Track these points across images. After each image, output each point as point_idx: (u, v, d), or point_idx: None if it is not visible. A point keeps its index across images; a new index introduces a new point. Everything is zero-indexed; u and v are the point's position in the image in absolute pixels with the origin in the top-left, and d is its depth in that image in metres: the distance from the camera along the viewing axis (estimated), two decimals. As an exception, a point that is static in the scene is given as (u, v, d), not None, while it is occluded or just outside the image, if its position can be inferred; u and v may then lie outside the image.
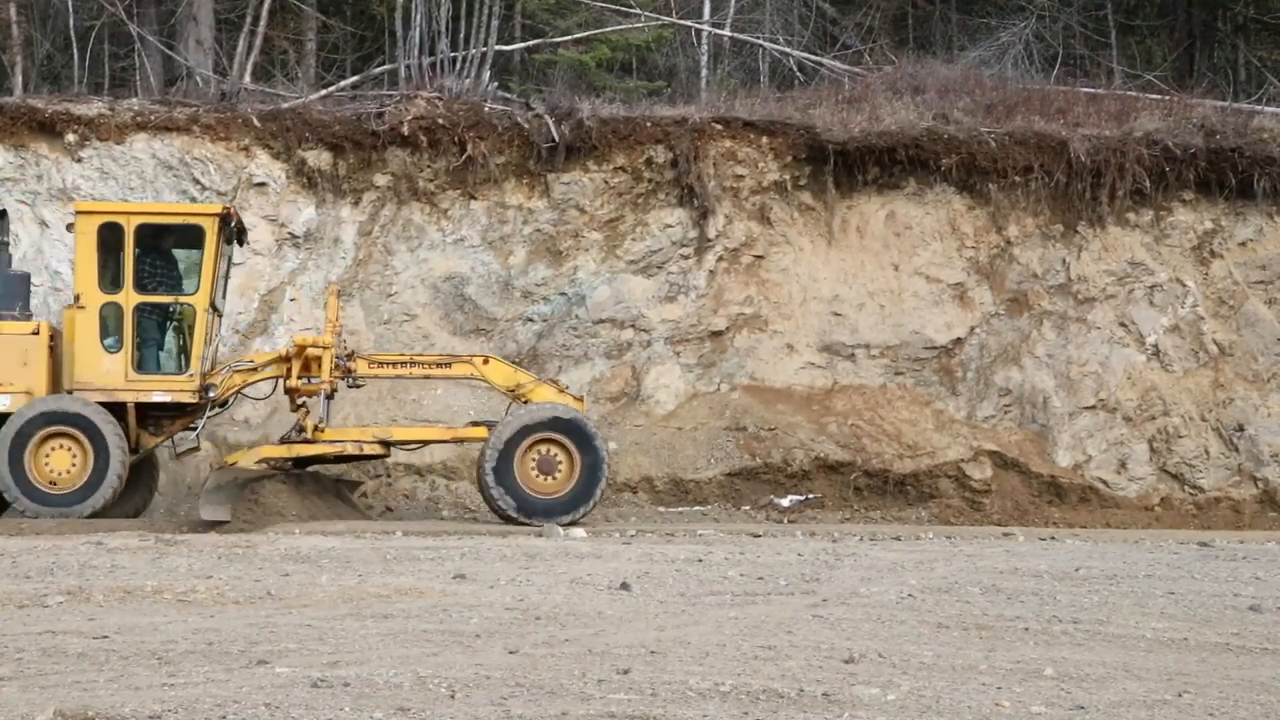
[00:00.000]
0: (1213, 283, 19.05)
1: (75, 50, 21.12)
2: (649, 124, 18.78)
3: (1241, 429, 18.37)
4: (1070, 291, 18.82)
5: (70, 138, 17.92)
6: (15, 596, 8.19)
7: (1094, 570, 10.38)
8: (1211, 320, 18.88)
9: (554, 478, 14.42)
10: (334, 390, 14.92)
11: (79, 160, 17.93)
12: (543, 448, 14.43)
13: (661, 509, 17.06)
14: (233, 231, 15.35)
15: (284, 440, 14.99)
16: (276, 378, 15.04)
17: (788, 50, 23.17)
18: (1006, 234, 18.98)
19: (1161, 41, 27.35)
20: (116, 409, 14.52)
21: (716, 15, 23.81)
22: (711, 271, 18.57)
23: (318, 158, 18.35)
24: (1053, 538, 14.32)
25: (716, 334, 18.45)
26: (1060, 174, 18.78)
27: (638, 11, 22.86)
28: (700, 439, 17.14)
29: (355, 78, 21.24)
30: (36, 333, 14.78)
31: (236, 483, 14.20)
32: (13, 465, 14.24)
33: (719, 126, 18.83)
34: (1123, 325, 18.77)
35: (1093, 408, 18.23)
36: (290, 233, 18.21)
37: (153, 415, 14.95)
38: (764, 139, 18.83)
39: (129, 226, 14.73)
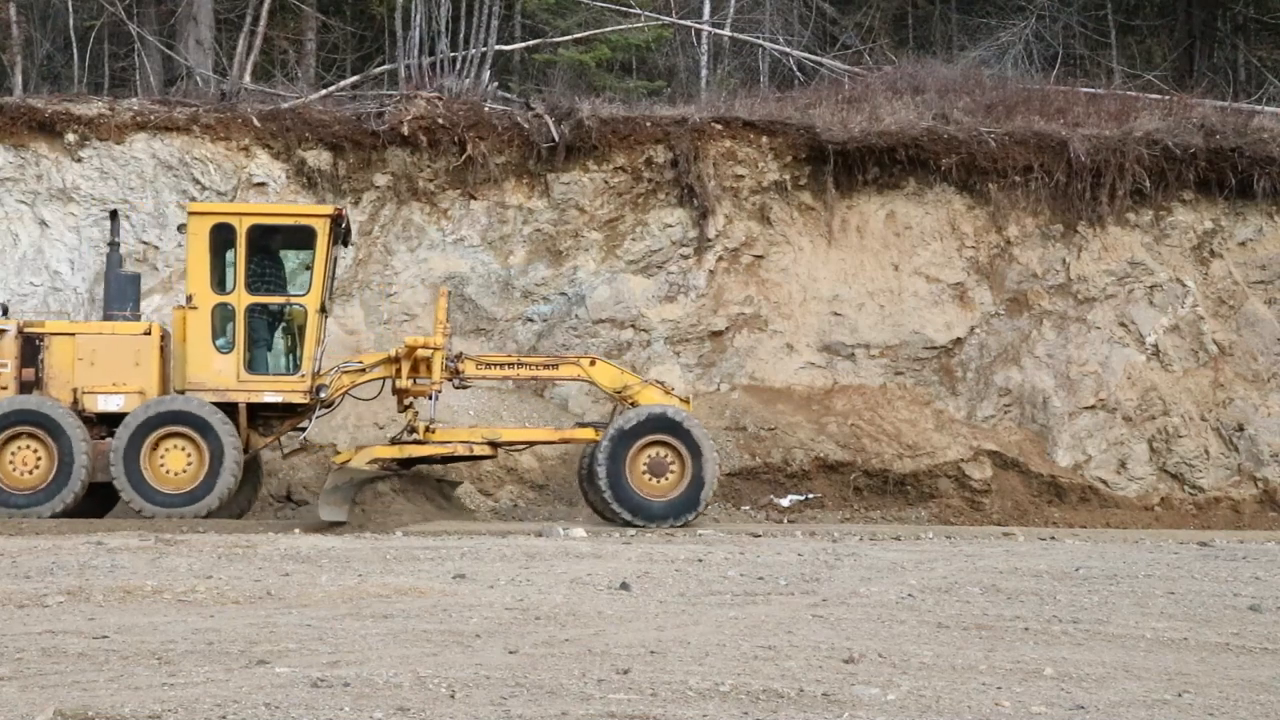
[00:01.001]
0: (1213, 282, 19.05)
1: (75, 50, 21.12)
2: (649, 124, 18.79)
3: (1241, 429, 18.38)
4: (1070, 291, 18.82)
5: (70, 138, 17.92)
6: (15, 596, 8.19)
7: (1094, 570, 10.38)
8: (1211, 320, 18.88)
9: (665, 480, 14.47)
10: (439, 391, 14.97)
11: (79, 160, 17.93)
12: (654, 450, 14.47)
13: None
14: (342, 232, 15.41)
15: (395, 441, 15.07)
16: (384, 378, 15.09)
17: (788, 50, 23.17)
18: (1006, 234, 18.98)
19: (1161, 41, 27.36)
20: (227, 409, 14.57)
21: (716, 15, 23.81)
22: (711, 271, 18.58)
23: (318, 158, 18.35)
24: (1053, 538, 14.32)
25: (716, 334, 18.45)
26: (1060, 174, 18.79)
27: (638, 11, 22.87)
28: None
29: (355, 78, 21.23)
30: (148, 333, 14.85)
31: (352, 483, 14.24)
32: (128, 465, 14.28)
33: (719, 126, 18.84)
34: (1123, 325, 18.77)
35: (1093, 408, 18.24)
36: (290, 233, 18.19)
37: (262, 415, 15.00)
38: (764, 139, 18.83)
39: (241, 227, 14.78)
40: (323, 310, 14.99)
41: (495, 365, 15.37)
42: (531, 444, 15.86)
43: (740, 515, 16.94)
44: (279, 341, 15.36)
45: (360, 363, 15.30)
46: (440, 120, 18.42)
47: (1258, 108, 20.82)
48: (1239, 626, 7.76)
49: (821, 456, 17.45)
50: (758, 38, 23.63)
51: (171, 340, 15.00)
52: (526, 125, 18.55)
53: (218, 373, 14.71)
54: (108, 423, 14.62)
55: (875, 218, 18.95)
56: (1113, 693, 5.83)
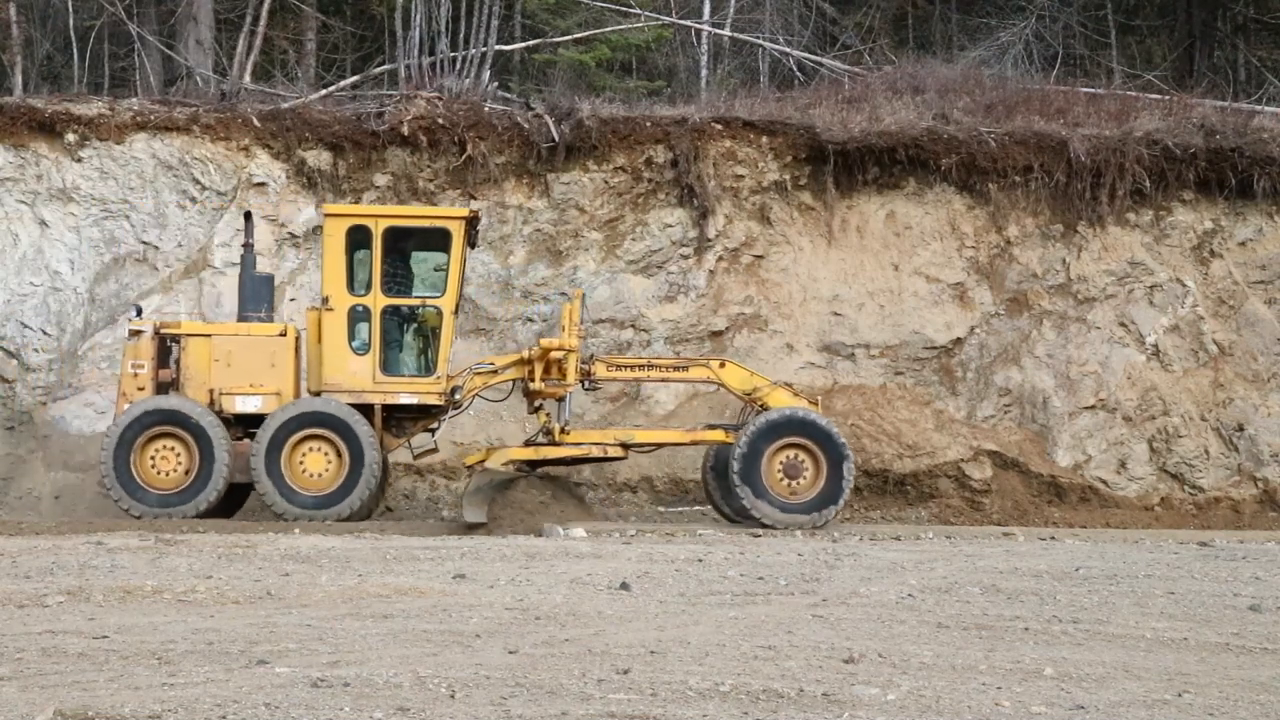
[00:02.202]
0: (1213, 283, 19.05)
1: (75, 50, 21.12)
2: (649, 124, 18.78)
3: (1241, 429, 18.37)
4: (1070, 291, 18.82)
5: (70, 138, 17.92)
6: (15, 596, 8.19)
7: (1094, 570, 10.38)
8: (1211, 320, 18.88)
9: (800, 481, 14.48)
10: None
11: (79, 160, 17.93)
12: (789, 452, 14.47)
13: (661, 509, 17.07)
14: (475, 234, 15.46)
15: (529, 443, 15.11)
16: (516, 380, 15.14)
17: (788, 50, 23.17)
18: (1006, 234, 18.98)
19: (1161, 41, 27.35)
20: (363, 411, 14.60)
21: (716, 15, 23.81)
22: (711, 271, 18.58)
23: (318, 158, 18.35)
24: (1053, 538, 14.31)
25: (716, 334, 18.45)
26: (1060, 174, 18.78)
27: (638, 11, 22.87)
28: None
29: (355, 78, 21.23)
30: (284, 334, 14.88)
31: (491, 485, 14.31)
32: (269, 467, 14.30)
33: (719, 126, 18.83)
34: (1123, 325, 18.77)
35: (1093, 408, 18.24)
36: (290, 233, 18.20)
37: (394, 417, 15.00)
38: (764, 139, 18.83)
39: (377, 229, 14.83)
40: (455, 312, 15.06)
41: (625, 367, 15.43)
42: (661, 445, 15.91)
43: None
44: (412, 343, 15.40)
45: (492, 364, 15.38)
46: (440, 120, 18.42)
47: (1258, 108, 20.81)
48: (1239, 626, 7.76)
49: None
50: (758, 38, 23.62)
51: (305, 341, 15.02)
52: (526, 125, 18.55)
53: (353, 374, 14.74)
54: (244, 424, 14.68)
55: (875, 218, 18.95)
56: (1113, 693, 5.83)
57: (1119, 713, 5.46)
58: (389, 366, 14.93)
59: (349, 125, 18.47)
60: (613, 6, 23.06)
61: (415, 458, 15.90)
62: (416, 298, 15.28)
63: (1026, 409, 18.33)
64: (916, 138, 18.73)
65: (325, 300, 14.82)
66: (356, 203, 18.35)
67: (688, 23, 23.56)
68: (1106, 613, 8.18)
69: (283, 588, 8.71)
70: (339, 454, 14.42)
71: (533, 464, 14.90)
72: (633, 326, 18.29)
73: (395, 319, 15.18)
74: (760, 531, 14.35)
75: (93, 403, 17.26)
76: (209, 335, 14.88)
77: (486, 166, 18.40)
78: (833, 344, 18.48)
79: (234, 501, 15.02)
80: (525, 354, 15.10)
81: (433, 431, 15.26)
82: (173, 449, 14.36)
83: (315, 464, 14.44)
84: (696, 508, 17.03)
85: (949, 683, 5.92)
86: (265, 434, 14.35)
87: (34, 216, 17.83)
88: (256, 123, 18.34)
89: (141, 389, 14.62)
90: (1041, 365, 18.54)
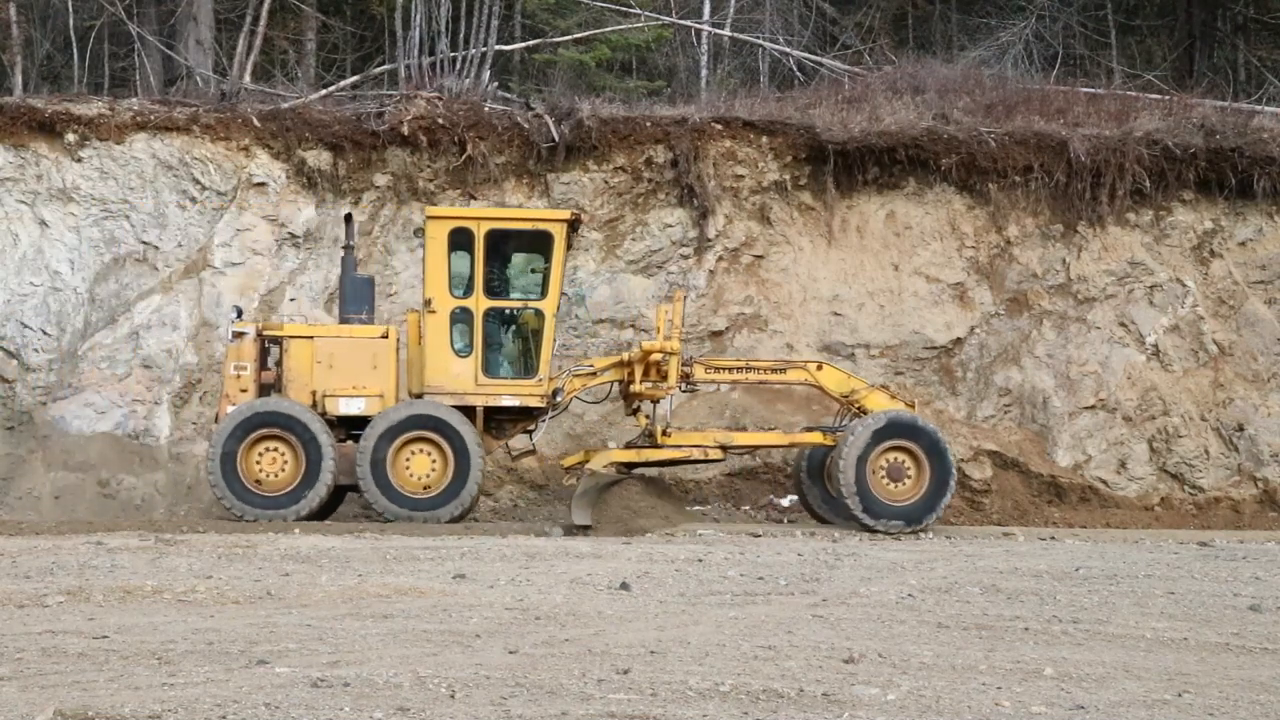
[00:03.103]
0: (1213, 283, 19.05)
1: (75, 50, 21.11)
2: (649, 124, 18.78)
3: (1241, 429, 18.37)
4: (1070, 291, 18.82)
5: (70, 138, 17.91)
6: (15, 596, 8.19)
7: (1094, 570, 10.39)
8: (1211, 320, 18.88)
9: (902, 484, 14.53)
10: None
11: (79, 160, 17.92)
12: (892, 455, 14.52)
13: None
14: (576, 237, 15.50)
15: (630, 445, 15.13)
16: (615, 381, 15.18)
17: (788, 50, 23.17)
18: (1006, 234, 18.98)
19: (1161, 41, 27.35)
20: (465, 413, 14.61)
21: (716, 15, 23.81)
22: (711, 271, 18.58)
23: (318, 158, 18.34)
24: (1053, 538, 14.32)
25: (716, 334, 18.45)
26: (1060, 174, 18.78)
27: (638, 11, 22.86)
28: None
29: (355, 78, 21.22)
30: (385, 336, 14.89)
31: (597, 487, 14.34)
32: (375, 469, 14.29)
33: (719, 126, 18.83)
34: (1123, 325, 18.77)
35: (1093, 408, 18.23)
36: (290, 233, 18.20)
37: (493, 419, 15.01)
38: (764, 139, 18.83)
39: (479, 232, 14.87)
40: (555, 314, 15.11)
41: (724, 369, 15.49)
42: (758, 448, 15.97)
43: (740, 515, 16.94)
44: (513, 345, 15.43)
45: (591, 366, 15.44)
46: (440, 120, 18.41)
47: (1258, 108, 20.81)
48: (1239, 626, 7.76)
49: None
50: (758, 38, 23.62)
51: (405, 343, 15.05)
52: (526, 125, 18.54)
53: (456, 376, 14.75)
54: (347, 425, 14.66)
55: (875, 218, 18.95)
56: (1113, 693, 5.83)
57: (1119, 713, 5.46)
58: (490, 369, 14.95)
59: (349, 125, 18.46)
60: (613, 6, 23.06)
61: (513, 459, 16.01)
62: (518, 300, 15.30)
63: (1026, 409, 18.33)
64: (916, 138, 18.73)
65: (428, 303, 14.84)
66: (357, 203, 18.36)
67: (688, 23, 23.56)
68: (1106, 613, 8.18)
69: (283, 588, 8.72)
70: (444, 456, 14.41)
71: (630, 466, 14.95)
72: (633, 326, 18.28)
73: (496, 321, 15.23)
74: (760, 531, 14.34)
75: (93, 403, 17.26)
76: (311, 337, 14.88)
77: (486, 166, 18.39)
78: (833, 344, 18.48)
79: (330, 503, 15.00)
80: (625, 356, 15.20)
81: (530, 433, 15.32)
82: (278, 451, 14.36)
83: (420, 466, 14.45)
84: (697, 508, 17.03)
85: (949, 683, 5.92)
86: (371, 436, 14.32)
87: (34, 216, 17.83)
88: (256, 123, 18.33)
89: (244, 391, 14.65)
90: (1041, 365, 18.54)
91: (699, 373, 15.08)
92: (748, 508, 16.96)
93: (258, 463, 14.34)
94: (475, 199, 18.47)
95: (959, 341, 18.66)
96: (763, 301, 18.52)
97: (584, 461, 15.00)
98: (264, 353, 14.89)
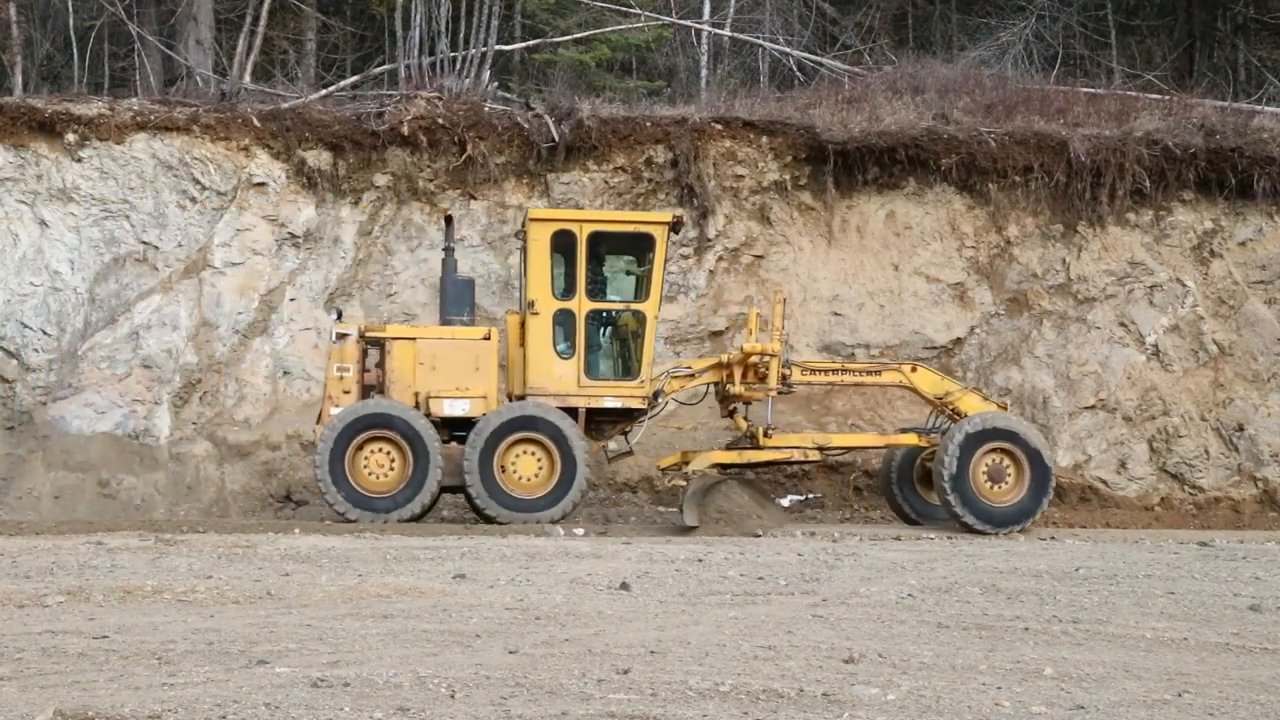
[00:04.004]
0: (1213, 283, 19.05)
1: (75, 50, 21.10)
2: (649, 124, 18.78)
3: (1241, 429, 18.37)
4: (1070, 291, 18.82)
5: (70, 138, 17.91)
6: (15, 596, 8.19)
7: (1094, 570, 10.38)
8: (1211, 320, 18.88)
9: (1002, 486, 14.66)
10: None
11: (79, 160, 17.92)
12: (993, 457, 14.66)
13: (662, 509, 17.07)
14: (675, 239, 15.59)
15: (732, 446, 15.19)
16: (713, 383, 15.27)
17: (788, 50, 23.16)
18: (1006, 234, 18.98)
19: (1161, 41, 27.35)
20: (568, 414, 14.70)
21: (716, 15, 23.81)
22: (711, 271, 18.58)
23: (318, 158, 18.34)
24: (1053, 538, 14.32)
25: (716, 334, 18.45)
26: (1060, 174, 18.78)
27: (638, 11, 22.86)
28: (700, 438, 17.13)
29: (355, 78, 21.22)
30: (487, 338, 14.96)
31: (704, 489, 14.44)
32: (482, 471, 14.34)
33: (719, 126, 18.83)
34: (1123, 325, 18.77)
35: (1093, 408, 18.23)
36: (290, 233, 18.20)
37: (593, 420, 15.07)
38: (764, 139, 18.83)
39: (581, 234, 14.95)
40: (656, 316, 15.20)
41: (821, 371, 15.62)
42: (854, 449, 16.13)
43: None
44: (614, 347, 15.52)
45: (689, 368, 15.52)
46: (440, 120, 18.41)
47: (1258, 108, 20.81)
48: (1239, 626, 7.76)
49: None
50: (758, 38, 23.62)
51: (506, 345, 15.13)
52: (526, 125, 18.54)
53: (559, 378, 14.83)
54: (451, 427, 14.71)
55: (875, 218, 18.95)
56: (1113, 693, 5.83)
57: (1119, 713, 5.46)
58: (592, 370, 15.04)
59: (349, 125, 18.46)
60: (613, 6, 23.06)
61: (610, 460, 16.05)
62: (620, 302, 15.39)
63: (1026, 409, 18.32)
64: (916, 138, 18.73)
65: (530, 304, 14.91)
66: (357, 203, 18.36)
67: (688, 23, 23.56)
68: (1106, 613, 8.18)
69: (283, 588, 8.72)
70: (550, 458, 14.48)
71: (724, 467, 15.02)
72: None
73: (596, 323, 15.32)
74: (760, 531, 14.35)
75: (93, 403, 17.26)
76: (414, 339, 14.96)
77: (486, 166, 18.39)
78: (833, 344, 18.48)
79: (430, 504, 15.05)
80: (724, 358, 15.28)
81: (627, 435, 15.42)
82: (385, 453, 14.40)
83: (527, 468, 14.51)
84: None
85: (949, 683, 5.92)
86: (479, 438, 14.39)
87: (34, 216, 17.82)
88: (256, 123, 18.33)
89: (347, 392, 14.71)
90: (1041, 365, 18.55)
91: (796, 375, 15.20)
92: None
93: (364, 464, 14.39)
94: (475, 199, 18.48)
95: (959, 341, 18.66)
96: (763, 301, 18.52)
97: (682, 463, 15.12)
98: (368, 354, 14.99)
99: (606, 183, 18.65)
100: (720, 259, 18.61)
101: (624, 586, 8.95)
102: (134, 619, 7.45)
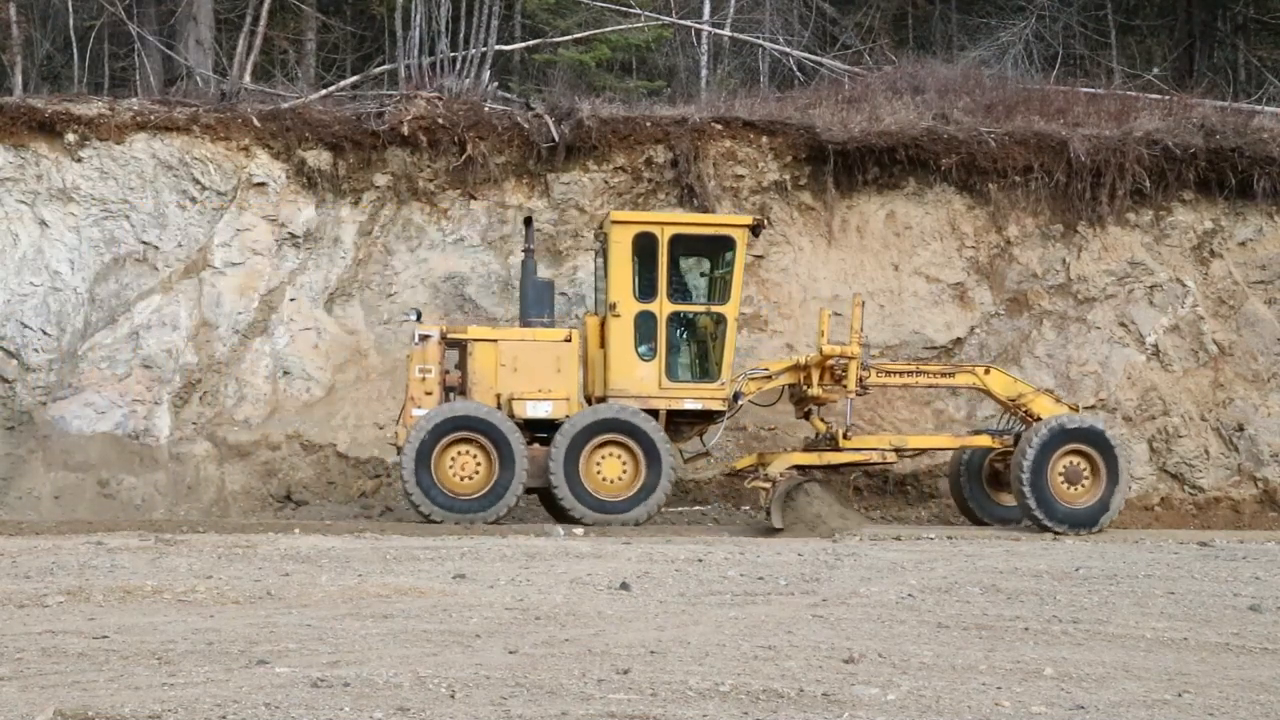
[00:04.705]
0: (1213, 283, 19.04)
1: (75, 50, 21.09)
2: (649, 124, 18.77)
3: (1241, 429, 18.36)
4: (1070, 291, 18.82)
5: (70, 138, 17.91)
6: (15, 596, 8.20)
7: (1094, 570, 10.38)
8: (1211, 320, 18.88)
9: (1078, 487, 14.81)
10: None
11: (79, 160, 17.92)
12: (1070, 458, 14.77)
13: (661, 509, 17.05)
14: (756, 241, 15.69)
15: (811, 447, 15.27)
16: (790, 385, 15.34)
17: (788, 50, 23.16)
18: (1006, 234, 18.97)
19: (1161, 41, 27.35)
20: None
21: (716, 15, 23.80)
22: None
23: (318, 158, 18.34)
24: (1053, 538, 14.32)
25: (716, 334, 18.44)
26: (1060, 174, 18.77)
27: (638, 11, 22.85)
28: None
29: (355, 78, 21.21)
30: (569, 340, 15.03)
31: (788, 491, 14.51)
32: (568, 472, 14.43)
33: (719, 126, 18.82)
34: (1123, 325, 18.77)
35: (1093, 408, 18.22)
36: (290, 233, 18.20)
37: (672, 422, 15.12)
38: (764, 139, 18.82)
39: (663, 237, 15.08)
40: (736, 319, 15.31)
41: (896, 373, 15.76)
42: (930, 450, 16.32)
43: (740, 515, 16.93)
44: (694, 349, 15.60)
45: (766, 370, 15.58)
46: (440, 120, 18.41)
47: (1258, 108, 20.81)
48: (1239, 626, 7.76)
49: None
50: (758, 38, 23.61)
51: (585, 347, 15.20)
52: (526, 125, 18.54)
53: (640, 380, 14.93)
54: (534, 428, 14.77)
55: (875, 218, 18.94)
56: (1113, 693, 5.83)
57: (1119, 713, 5.46)
58: (673, 372, 15.12)
59: (349, 125, 18.46)
60: (613, 6, 23.05)
61: (686, 462, 16.08)
62: (701, 304, 15.50)
63: (1026, 409, 18.31)
64: (916, 138, 18.72)
65: (612, 306, 14.99)
66: (357, 203, 18.36)
67: (688, 23, 23.55)
68: (1106, 613, 8.18)
69: (283, 588, 8.72)
70: (634, 459, 14.58)
71: (801, 468, 15.08)
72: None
73: (677, 325, 15.40)
74: (761, 531, 14.35)
75: (93, 403, 17.26)
76: (495, 340, 15.06)
77: (486, 166, 18.39)
78: (833, 344, 18.45)
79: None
80: (801, 359, 15.33)
81: (702, 436, 15.50)
82: (471, 455, 14.47)
83: (611, 469, 14.61)
84: (697, 508, 17.03)
85: (949, 683, 5.92)
86: (564, 439, 14.47)
87: (34, 216, 17.82)
88: (256, 123, 18.33)
89: (429, 393, 14.79)
90: (1041, 365, 18.54)
91: (870, 377, 15.30)
92: (748, 508, 16.95)
93: (451, 466, 14.42)
94: (475, 199, 18.48)
95: (959, 341, 18.66)
96: (763, 301, 18.52)
97: (758, 465, 15.16)
98: (450, 356, 15.07)
99: (606, 183, 18.64)
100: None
101: (624, 586, 8.95)
102: (134, 619, 7.45)
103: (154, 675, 5.85)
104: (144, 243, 17.93)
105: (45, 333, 17.56)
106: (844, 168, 18.69)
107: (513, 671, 5.93)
